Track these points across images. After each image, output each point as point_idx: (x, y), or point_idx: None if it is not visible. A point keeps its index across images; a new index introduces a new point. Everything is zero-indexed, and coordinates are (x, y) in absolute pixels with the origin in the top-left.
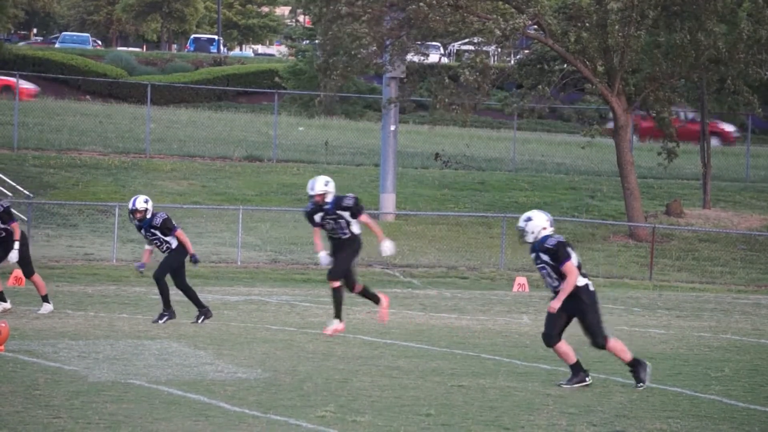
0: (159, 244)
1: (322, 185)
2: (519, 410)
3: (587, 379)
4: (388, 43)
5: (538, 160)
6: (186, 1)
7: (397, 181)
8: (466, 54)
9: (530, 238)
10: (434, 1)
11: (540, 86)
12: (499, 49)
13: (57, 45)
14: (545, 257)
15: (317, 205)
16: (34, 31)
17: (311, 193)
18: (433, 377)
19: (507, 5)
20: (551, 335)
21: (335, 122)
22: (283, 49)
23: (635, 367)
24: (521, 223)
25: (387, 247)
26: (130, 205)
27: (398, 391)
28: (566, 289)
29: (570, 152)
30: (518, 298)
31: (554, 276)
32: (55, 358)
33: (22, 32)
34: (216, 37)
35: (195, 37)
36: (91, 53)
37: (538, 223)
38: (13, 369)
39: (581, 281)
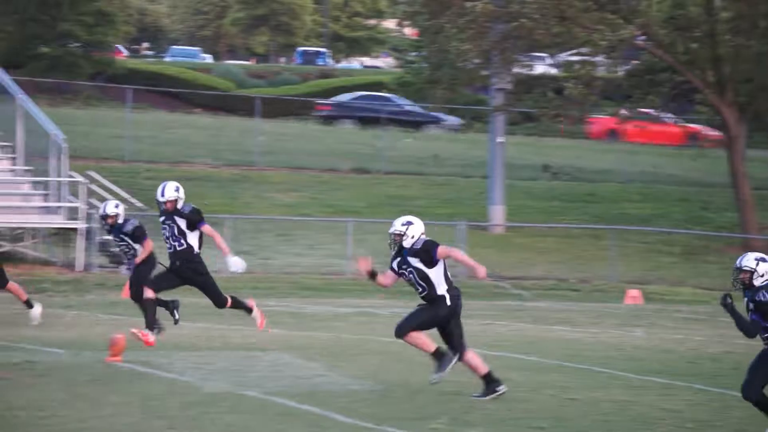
0: (127, 250)
1: (173, 191)
2: (634, 424)
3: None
4: (493, 55)
5: (649, 171)
6: (293, 15)
7: (506, 193)
8: (576, 65)
9: (408, 243)
10: (538, 15)
11: (650, 97)
12: (608, 60)
13: (167, 59)
14: (414, 261)
15: (166, 212)
16: (144, 45)
17: (161, 199)
18: (546, 390)
19: (614, 15)
20: (404, 328)
21: (443, 134)
22: (390, 60)
23: (489, 383)
24: (400, 227)
25: (233, 262)
26: (101, 211)
27: (510, 403)
28: (464, 260)
29: (681, 163)
30: (631, 311)
31: (421, 283)
32: (170, 369)
33: (134, 46)
34: (323, 49)
35: (302, 50)
36: (200, 66)
37: (418, 228)
38: (129, 380)
39: (442, 291)
